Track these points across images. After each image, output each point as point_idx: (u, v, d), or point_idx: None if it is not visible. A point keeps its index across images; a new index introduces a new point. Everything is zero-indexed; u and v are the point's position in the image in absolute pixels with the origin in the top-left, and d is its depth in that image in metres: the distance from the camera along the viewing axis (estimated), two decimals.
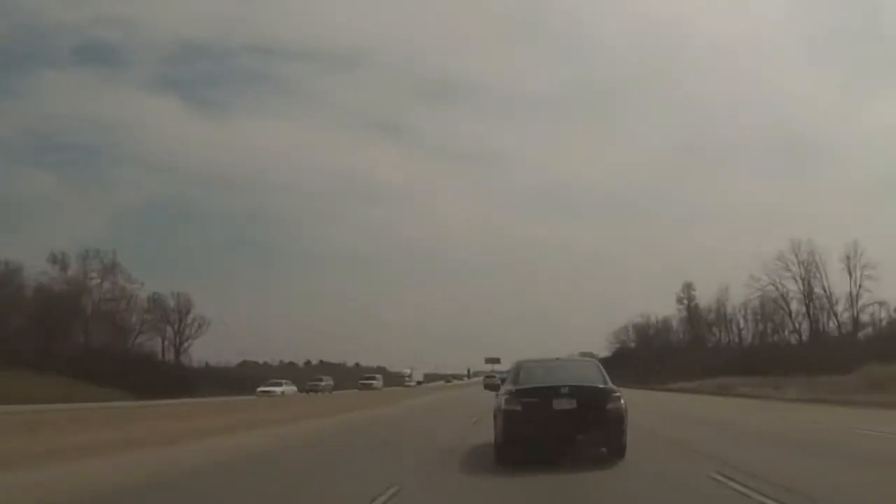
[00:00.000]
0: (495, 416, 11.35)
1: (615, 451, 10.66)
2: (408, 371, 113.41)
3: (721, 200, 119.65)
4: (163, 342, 76.81)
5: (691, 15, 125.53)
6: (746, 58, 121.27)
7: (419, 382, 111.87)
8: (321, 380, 66.44)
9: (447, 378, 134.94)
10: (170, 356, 75.82)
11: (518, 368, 12.02)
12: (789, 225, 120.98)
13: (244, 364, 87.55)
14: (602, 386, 10.87)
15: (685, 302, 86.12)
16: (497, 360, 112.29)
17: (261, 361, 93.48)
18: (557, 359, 13.09)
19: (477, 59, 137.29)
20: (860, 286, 64.12)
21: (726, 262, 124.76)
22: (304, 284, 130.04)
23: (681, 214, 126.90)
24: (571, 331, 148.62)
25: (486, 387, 74.77)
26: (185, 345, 79.10)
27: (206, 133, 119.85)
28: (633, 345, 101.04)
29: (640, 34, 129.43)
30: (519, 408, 10.59)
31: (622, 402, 10.65)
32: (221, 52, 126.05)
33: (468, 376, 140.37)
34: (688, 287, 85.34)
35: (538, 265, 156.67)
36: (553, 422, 10.30)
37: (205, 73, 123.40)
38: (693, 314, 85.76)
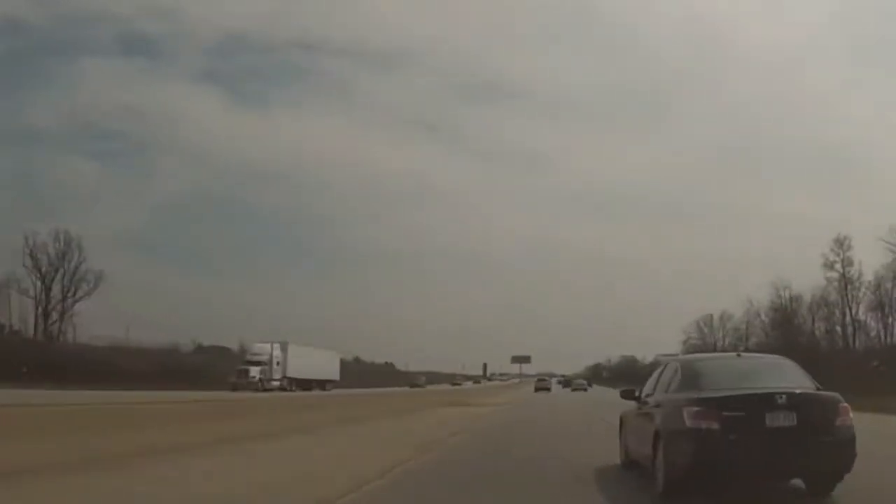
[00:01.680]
0: (659, 438, 7.82)
1: (825, 483, 7.53)
2: (261, 350, 49.20)
3: (763, 206, 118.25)
4: (36, 307, 54.61)
5: (736, 20, 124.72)
6: (791, 64, 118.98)
7: (280, 386, 47.96)
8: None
9: (416, 382, 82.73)
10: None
11: (689, 368, 8.46)
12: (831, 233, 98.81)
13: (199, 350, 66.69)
14: (826, 392, 7.64)
15: (838, 268, 54.09)
16: (526, 359, 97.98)
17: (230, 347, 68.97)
18: (739, 354, 9.38)
19: (521, 60, 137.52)
20: None
21: (769, 268, 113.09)
22: (325, 279, 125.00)
23: (723, 218, 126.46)
24: (607, 334, 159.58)
25: (538, 389, 67.49)
26: (68, 303, 55.58)
27: (248, 127, 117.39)
28: (717, 341, 78.00)
29: (684, 38, 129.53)
30: (717, 425, 7.10)
31: (851, 415, 7.45)
32: (266, 46, 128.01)
33: (481, 379, 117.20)
34: (841, 244, 54.75)
35: (576, 266, 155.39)
36: (767, 446, 7.05)
37: (248, 67, 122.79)
38: (847, 287, 54.52)
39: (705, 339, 78.72)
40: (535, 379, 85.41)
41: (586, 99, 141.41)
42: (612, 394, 61.95)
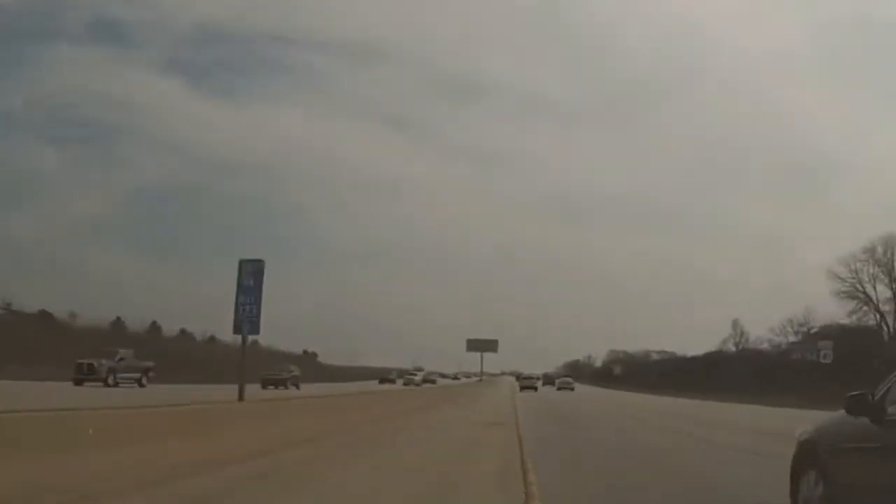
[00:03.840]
0: None
1: None
2: None
3: (735, 214, 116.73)
4: None
5: (715, 28, 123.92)
6: (767, 74, 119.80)
7: None
8: None
9: (388, 377, 69.71)
10: None
11: None
12: (800, 246, 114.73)
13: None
14: None
15: None
16: (491, 345, 66.83)
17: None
18: None
19: (498, 59, 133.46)
20: None
21: (732, 278, 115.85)
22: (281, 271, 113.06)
23: (697, 224, 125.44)
24: (580, 333, 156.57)
25: (523, 388, 62.38)
26: None
27: (218, 118, 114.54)
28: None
29: (663, 43, 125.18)
30: None
31: None
32: (238, 37, 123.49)
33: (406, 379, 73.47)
34: None
35: (546, 266, 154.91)
36: None
37: (220, 58, 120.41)
38: None
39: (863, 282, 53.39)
40: (519, 378, 75.86)
41: (561, 101, 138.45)
42: (616, 395, 53.77)
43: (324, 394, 28.65)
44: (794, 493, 5.42)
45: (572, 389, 65.90)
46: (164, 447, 8.67)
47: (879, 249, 52.03)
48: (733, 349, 71.97)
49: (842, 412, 4.91)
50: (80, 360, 32.27)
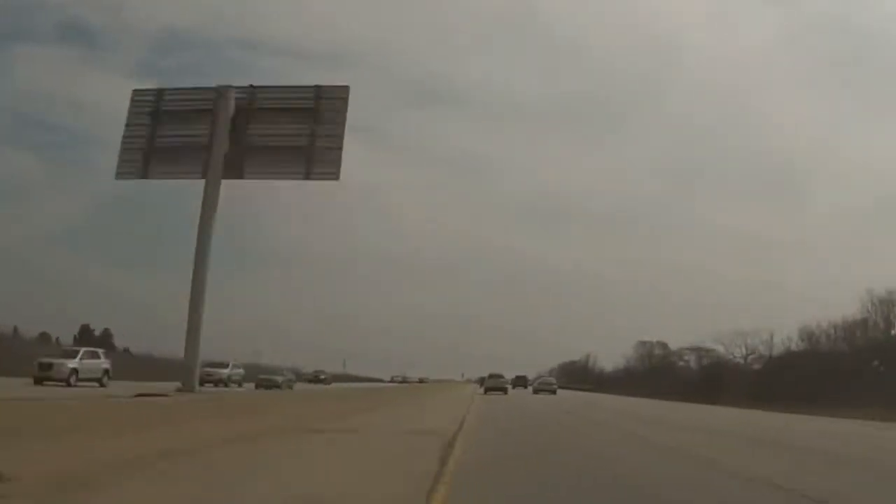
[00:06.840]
0: None
1: None
2: None
3: (703, 221, 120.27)
4: None
5: (684, 34, 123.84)
6: (737, 79, 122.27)
7: None
8: None
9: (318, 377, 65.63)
10: None
11: None
12: (771, 251, 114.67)
13: None
14: None
15: None
16: None
17: None
18: None
19: (463, 64, 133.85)
20: None
21: (704, 285, 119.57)
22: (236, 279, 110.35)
23: (663, 232, 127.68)
24: (553, 340, 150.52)
25: (489, 390, 55.59)
26: None
27: None
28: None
29: (632, 49, 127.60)
30: None
31: None
32: (206, 42, 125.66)
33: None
34: None
35: (512, 275, 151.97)
36: None
37: (188, 63, 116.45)
38: None
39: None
40: (484, 379, 64.49)
41: (532, 107, 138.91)
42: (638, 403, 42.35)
43: None
44: None
45: (554, 392, 58.77)
46: None
47: None
48: None
49: None
50: None
